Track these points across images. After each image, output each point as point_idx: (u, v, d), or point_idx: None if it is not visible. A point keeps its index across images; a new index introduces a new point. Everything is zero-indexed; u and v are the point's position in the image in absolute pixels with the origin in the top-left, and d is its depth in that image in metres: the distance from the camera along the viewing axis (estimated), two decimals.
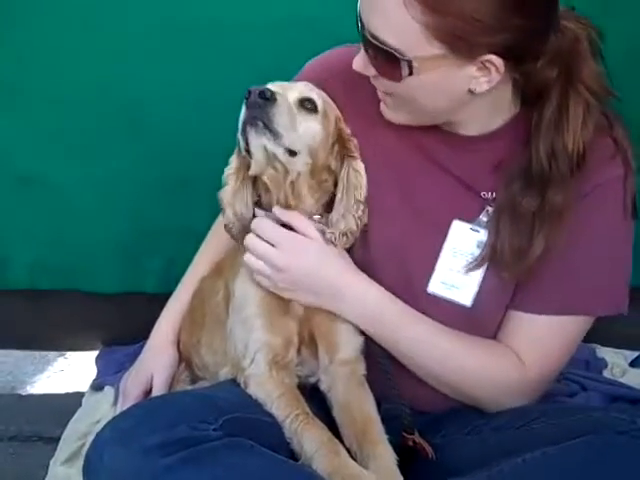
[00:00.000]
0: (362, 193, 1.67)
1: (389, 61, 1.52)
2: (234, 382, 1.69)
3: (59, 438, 2.19)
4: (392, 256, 1.72)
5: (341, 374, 1.71)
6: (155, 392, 1.90)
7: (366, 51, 1.57)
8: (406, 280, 1.72)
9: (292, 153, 1.59)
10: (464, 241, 1.70)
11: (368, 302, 1.68)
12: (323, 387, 1.74)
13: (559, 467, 1.42)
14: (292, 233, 1.66)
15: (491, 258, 1.66)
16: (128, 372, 2.01)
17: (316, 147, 1.63)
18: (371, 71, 1.59)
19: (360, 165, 1.68)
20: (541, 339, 1.69)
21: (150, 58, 2.38)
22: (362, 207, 1.66)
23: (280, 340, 1.67)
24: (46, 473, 2.07)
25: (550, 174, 1.59)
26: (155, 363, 1.93)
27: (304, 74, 1.84)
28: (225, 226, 1.73)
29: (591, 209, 1.63)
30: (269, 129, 1.54)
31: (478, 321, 1.71)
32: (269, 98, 1.53)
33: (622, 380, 2.30)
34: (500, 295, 1.71)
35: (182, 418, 1.43)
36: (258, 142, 1.56)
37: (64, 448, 2.13)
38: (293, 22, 2.31)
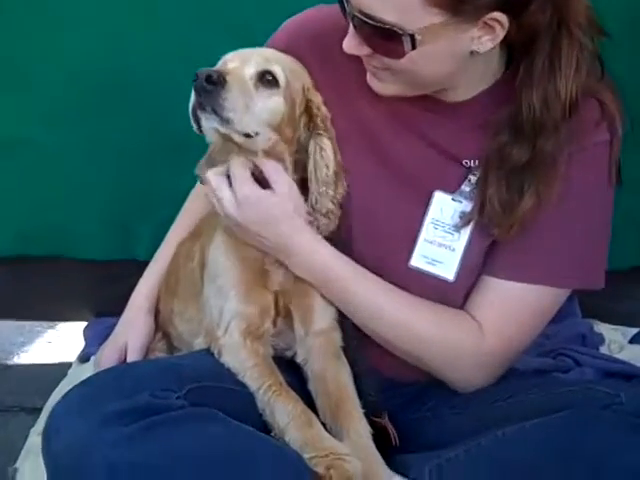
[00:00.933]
0: (328, 173, 1.59)
1: (388, 38, 1.44)
2: (208, 351, 1.65)
3: (42, 409, 2.14)
4: (372, 228, 1.66)
5: (317, 345, 1.67)
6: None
7: (356, 30, 1.49)
8: (387, 253, 1.66)
9: (248, 135, 1.52)
10: (446, 212, 1.63)
11: (315, 263, 1.62)
12: (299, 360, 1.69)
13: (538, 440, 1.38)
14: (256, 193, 1.58)
15: (479, 214, 1.59)
16: (106, 342, 1.96)
17: (278, 123, 1.56)
18: (366, 51, 1.52)
19: (326, 142, 1.60)
20: (512, 309, 1.62)
21: (138, 21, 2.34)
22: (332, 186, 1.59)
23: (255, 310, 1.62)
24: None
25: (542, 121, 1.52)
26: (130, 332, 1.88)
27: (277, 37, 1.76)
28: None
29: (573, 173, 1.56)
30: (218, 115, 1.47)
31: (461, 296, 1.66)
32: (217, 82, 1.45)
33: (619, 356, 2.25)
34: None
35: (144, 386, 1.38)
36: (210, 126, 1.50)
37: (44, 418, 2.09)
38: None
